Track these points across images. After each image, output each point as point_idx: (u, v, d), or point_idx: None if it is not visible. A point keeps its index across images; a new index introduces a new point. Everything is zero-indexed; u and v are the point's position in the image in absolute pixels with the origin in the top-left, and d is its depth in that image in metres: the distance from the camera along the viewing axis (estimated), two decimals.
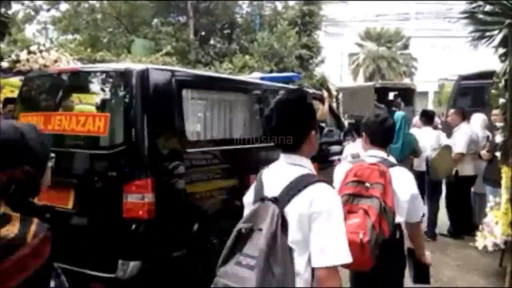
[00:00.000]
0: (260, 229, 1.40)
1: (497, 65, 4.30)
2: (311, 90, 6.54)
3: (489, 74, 7.53)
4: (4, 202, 1.26)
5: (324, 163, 5.11)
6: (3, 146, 1.22)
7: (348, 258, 1.39)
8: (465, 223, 5.24)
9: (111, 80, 3.36)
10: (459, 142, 5.12)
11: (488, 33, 3.99)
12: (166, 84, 3.28)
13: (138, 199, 2.93)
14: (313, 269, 1.40)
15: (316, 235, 1.39)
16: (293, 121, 1.52)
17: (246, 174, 3.64)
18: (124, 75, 3.20)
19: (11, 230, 1.20)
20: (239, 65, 13.33)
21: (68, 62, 5.91)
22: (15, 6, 11.86)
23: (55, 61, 5.78)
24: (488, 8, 3.93)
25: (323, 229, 1.39)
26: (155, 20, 18.20)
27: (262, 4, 19.75)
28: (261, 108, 4.29)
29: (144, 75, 3.10)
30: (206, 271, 3.06)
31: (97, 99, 3.40)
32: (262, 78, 5.51)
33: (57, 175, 3.28)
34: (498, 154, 4.11)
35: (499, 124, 4.10)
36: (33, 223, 1.27)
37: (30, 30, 18.67)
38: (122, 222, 2.96)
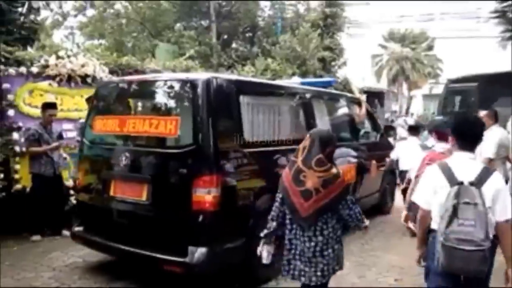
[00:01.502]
0: (468, 203, 2.22)
1: None
2: (349, 94, 6.66)
3: (475, 78, 9.31)
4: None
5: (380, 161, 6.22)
6: None
7: None
8: None
9: (179, 88, 3.81)
10: (488, 146, 4.93)
11: None
12: (226, 91, 3.72)
13: (205, 193, 3.35)
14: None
15: (501, 202, 2.31)
16: (478, 133, 2.52)
17: None
18: (190, 84, 3.64)
19: (333, 171, 2.59)
20: (261, 68, 13.32)
21: (94, 67, 6.03)
22: (44, 13, 12.20)
23: (82, 65, 5.89)
24: None
25: (503, 199, 2.32)
26: (178, 25, 18.42)
27: (284, 7, 19.73)
28: (305, 111, 4.66)
29: (208, 83, 3.54)
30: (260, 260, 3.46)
31: (168, 105, 3.88)
32: (302, 83, 5.83)
33: (132, 172, 3.62)
34: None
35: None
36: (339, 170, 2.67)
37: (57, 36, 19.22)
38: (191, 213, 3.37)
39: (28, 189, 5.26)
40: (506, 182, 5.09)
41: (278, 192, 2.73)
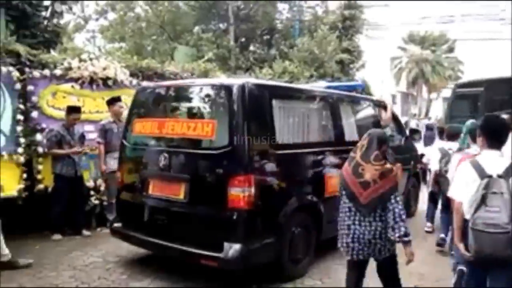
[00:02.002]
0: (495, 192, 2.50)
1: None
2: (374, 98, 6.66)
3: (481, 82, 9.35)
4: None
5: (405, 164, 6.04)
6: None
7: None
8: None
9: (215, 93, 4.05)
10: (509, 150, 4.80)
11: None
12: (260, 95, 3.90)
13: (240, 192, 3.54)
14: None
15: None
16: (504, 133, 2.79)
17: (321, 173, 4.40)
18: (226, 89, 3.85)
19: (388, 166, 2.98)
20: (278, 70, 13.31)
21: (115, 70, 6.12)
22: (66, 16, 12.46)
23: (104, 68, 5.99)
24: None
25: None
26: (197, 28, 18.57)
27: (302, 9, 19.68)
28: (332, 114, 4.79)
29: (243, 88, 3.72)
30: (291, 256, 3.98)
31: (205, 108, 4.11)
32: (328, 87, 5.87)
33: (170, 171, 3.83)
34: None
35: None
36: (393, 166, 3.02)
37: (79, 39, 19.59)
38: (227, 211, 3.58)
39: (50, 189, 5.37)
40: None
41: (339, 184, 3.16)
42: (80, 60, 5.84)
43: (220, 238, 3.58)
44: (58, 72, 5.60)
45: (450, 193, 2.86)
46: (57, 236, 5.26)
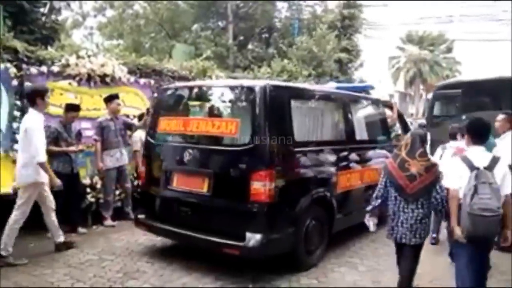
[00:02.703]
0: (484, 182, 2.99)
1: None
2: (382, 98, 6.90)
3: (459, 84, 10.22)
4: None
5: None
6: None
7: None
8: None
9: (238, 93, 4.36)
10: (507, 152, 4.82)
11: None
12: (280, 96, 4.13)
13: (262, 186, 3.78)
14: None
15: (506, 180, 3.08)
16: (487, 132, 3.37)
17: (334, 170, 4.66)
18: (249, 90, 4.10)
19: (432, 161, 3.38)
20: (277, 69, 13.31)
21: (113, 67, 6.10)
22: (64, 13, 12.42)
23: (102, 65, 5.96)
24: None
25: (508, 178, 3.09)
26: (195, 26, 18.54)
27: (301, 8, 19.67)
28: (344, 113, 5.06)
29: (265, 89, 3.97)
30: (306, 247, 4.26)
31: (229, 108, 4.42)
32: (337, 88, 6.18)
33: (194, 166, 4.25)
34: None
35: None
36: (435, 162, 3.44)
37: (77, 36, 19.54)
38: (249, 203, 3.83)
39: None
40: None
41: (382, 177, 3.50)
42: (78, 57, 5.81)
43: (241, 228, 3.82)
44: (55, 68, 5.57)
45: (446, 184, 3.26)
46: None
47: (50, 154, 5.26)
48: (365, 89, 6.85)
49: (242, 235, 3.79)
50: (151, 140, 4.74)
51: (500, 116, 5.17)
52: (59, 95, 5.63)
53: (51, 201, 4.64)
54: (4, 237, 4.30)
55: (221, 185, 4.04)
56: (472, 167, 3.10)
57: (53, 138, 5.20)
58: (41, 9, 8.75)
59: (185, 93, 4.79)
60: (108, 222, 5.75)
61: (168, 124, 4.59)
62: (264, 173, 3.79)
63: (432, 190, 3.30)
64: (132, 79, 6.45)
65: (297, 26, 18.76)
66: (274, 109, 4.00)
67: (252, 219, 3.84)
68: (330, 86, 6.66)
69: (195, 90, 4.78)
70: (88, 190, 5.71)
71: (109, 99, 5.77)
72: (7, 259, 4.24)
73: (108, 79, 6.06)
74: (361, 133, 5.35)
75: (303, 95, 4.73)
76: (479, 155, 3.19)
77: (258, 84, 4.11)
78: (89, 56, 5.92)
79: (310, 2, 19.76)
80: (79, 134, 5.55)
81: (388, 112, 6.46)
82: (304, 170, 4.26)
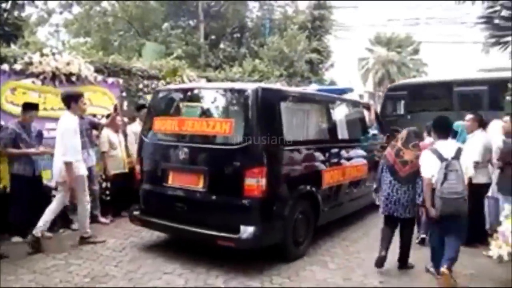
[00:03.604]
0: (452, 170, 3.74)
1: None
2: (361, 101, 7.42)
3: (405, 86, 11.53)
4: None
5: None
6: None
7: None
8: (478, 231, 5.12)
9: (231, 95, 4.55)
10: (474, 150, 5.00)
11: (503, 39, 3.93)
12: (271, 98, 4.44)
13: (254, 182, 4.05)
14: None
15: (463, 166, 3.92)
16: (449, 128, 4.25)
17: (319, 167, 4.99)
18: (242, 92, 4.36)
19: (421, 151, 4.15)
20: (248, 69, 13.30)
21: (79, 65, 5.92)
22: (28, 9, 11.96)
23: (67, 63, 5.78)
24: (505, 13, 3.86)
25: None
26: (166, 24, 18.26)
27: (272, 8, 19.75)
28: (327, 114, 5.44)
29: (257, 92, 4.24)
30: (294, 238, 4.56)
31: (223, 109, 4.59)
32: (319, 90, 6.60)
33: (189, 164, 4.48)
34: None
35: None
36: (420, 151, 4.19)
37: (42, 33, 18.89)
38: (242, 198, 4.09)
39: (8, 190, 5.12)
40: (490, 184, 5.20)
41: (379, 165, 4.46)
42: (42, 55, 5.61)
43: (235, 222, 4.07)
44: (18, 67, 5.37)
45: (422, 173, 3.96)
46: (17, 239, 5.02)
47: (10, 156, 5.03)
48: (345, 92, 7.17)
49: (236, 228, 4.02)
50: (146, 139, 4.92)
51: (469, 116, 5.35)
52: (22, 94, 5.43)
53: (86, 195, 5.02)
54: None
55: (216, 182, 4.27)
56: (442, 158, 3.80)
57: (11, 139, 4.96)
58: (3, 5, 8.38)
59: (180, 95, 4.97)
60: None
61: (163, 124, 4.76)
62: (257, 170, 4.05)
63: (418, 175, 4.03)
64: (100, 78, 6.29)
65: (268, 26, 18.82)
66: (265, 111, 4.26)
67: (246, 213, 4.10)
68: (312, 88, 7.04)
69: (189, 92, 4.98)
70: (54, 192, 5.50)
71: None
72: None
73: (74, 78, 5.88)
74: (342, 133, 5.74)
75: (291, 97, 4.97)
76: (446, 147, 3.88)
77: (250, 87, 4.36)
78: (53, 54, 5.73)
79: (281, 3, 19.87)
80: (40, 135, 5.29)
81: (366, 112, 6.78)
82: (292, 167, 4.55)
